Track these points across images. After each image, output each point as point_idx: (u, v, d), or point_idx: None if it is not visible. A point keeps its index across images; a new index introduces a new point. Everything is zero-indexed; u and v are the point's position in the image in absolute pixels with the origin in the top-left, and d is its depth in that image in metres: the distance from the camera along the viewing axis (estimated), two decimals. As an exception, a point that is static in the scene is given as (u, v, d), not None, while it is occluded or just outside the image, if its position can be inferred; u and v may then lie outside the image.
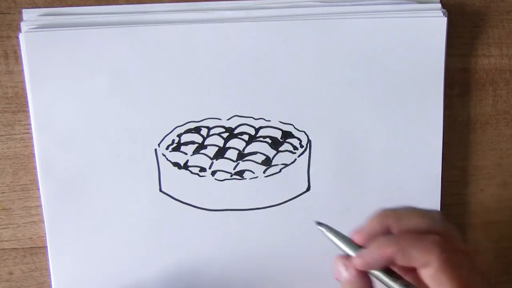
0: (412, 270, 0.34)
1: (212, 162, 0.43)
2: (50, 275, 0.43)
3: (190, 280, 0.44)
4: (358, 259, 0.35)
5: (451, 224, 0.36)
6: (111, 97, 0.42)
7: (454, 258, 0.33)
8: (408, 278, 0.35)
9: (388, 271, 0.35)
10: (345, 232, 0.36)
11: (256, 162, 0.43)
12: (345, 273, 0.36)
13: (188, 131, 0.43)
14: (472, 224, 0.46)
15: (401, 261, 0.34)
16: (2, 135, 0.43)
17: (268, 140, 0.43)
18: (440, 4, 0.43)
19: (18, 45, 0.42)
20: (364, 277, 0.35)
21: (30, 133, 0.43)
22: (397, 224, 0.35)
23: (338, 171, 0.44)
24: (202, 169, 0.43)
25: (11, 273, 0.45)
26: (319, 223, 0.38)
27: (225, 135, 0.43)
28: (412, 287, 0.34)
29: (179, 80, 0.42)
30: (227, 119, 0.43)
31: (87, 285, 0.44)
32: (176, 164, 0.43)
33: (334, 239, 0.37)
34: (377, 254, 0.34)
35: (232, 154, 0.43)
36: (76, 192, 0.43)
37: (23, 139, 0.43)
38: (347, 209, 0.44)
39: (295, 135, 0.43)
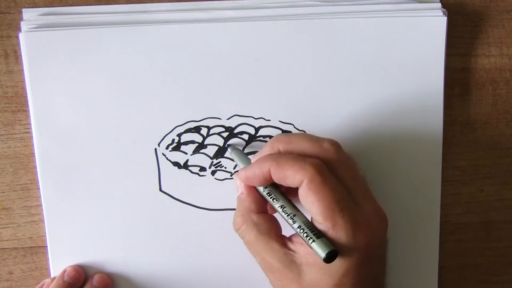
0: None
1: (212, 162, 0.43)
2: (50, 274, 0.43)
3: (190, 280, 0.44)
4: (241, 173, 0.37)
5: (344, 154, 0.37)
6: (111, 96, 0.42)
7: (327, 179, 0.34)
8: (296, 200, 0.36)
9: (278, 191, 0.36)
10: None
11: (256, 162, 0.43)
12: (238, 189, 0.38)
13: (188, 130, 0.43)
14: (472, 224, 0.46)
15: (277, 177, 0.35)
16: (2, 135, 0.43)
17: (268, 139, 0.43)
18: (440, 4, 0.43)
19: (18, 44, 0.42)
20: (252, 193, 0.37)
21: (30, 132, 0.43)
22: (285, 148, 0.37)
23: (338, 171, 0.44)
24: (202, 169, 0.43)
25: (11, 273, 0.45)
26: (229, 145, 0.42)
27: (225, 134, 0.43)
28: (291, 207, 0.36)
29: (179, 80, 0.42)
30: (227, 119, 0.43)
31: (87, 284, 0.44)
32: (176, 164, 0.43)
33: (235, 158, 0.41)
34: (257, 169, 0.36)
35: (231, 157, 0.43)
36: (76, 192, 0.43)
37: (23, 139, 0.43)
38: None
39: (295, 135, 0.43)
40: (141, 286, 0.44)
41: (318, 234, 0.34)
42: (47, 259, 0.43)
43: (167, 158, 0.43)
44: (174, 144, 0.43)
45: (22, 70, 0.42)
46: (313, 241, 0.33)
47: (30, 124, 0.42)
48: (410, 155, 0.44)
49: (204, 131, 0.43)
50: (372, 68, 0.43)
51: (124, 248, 0.43)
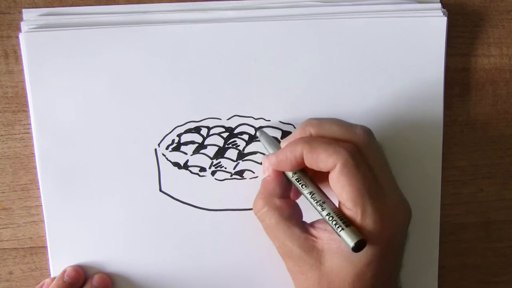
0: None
1: (212, 162, 0.43)
2: (50, 275, 0.43)
3: (190, 280, 0.44)
4: (272, 157, 0.37)
5: (375, 142, 0.37)
6: (111, 97, 0.42)
7: (359, 164, 0.34)
8: (323, 186, 0.36)
9: (307, 177, 0.36)
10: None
11: (256, 162, 0.43)
12: (265, 172, 0.38)
13: (188, 131, 0.43)
14: (472, 224, 0.46)
15: (309, 162, 0.35)
16: (2, 135, 0.43)
17: (268, 140, 0.43)
18: (440, 4, 0.43)
19: (18, 45, 0.42)
20: (279, 177, 0.37)
21: (30, 133, 0.43)
22: (317, 131, 0.36)
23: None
24: (202, 169, 0.43)
25: (11, 273, 0.45)
26: (257, 129, 0.41)
27: (225, 135, 0.43)
28: (320, 194, 0.35)
29: (179, 80, 0.42)
30: (227, 119, 0.43)
31: (87, 285, 0.44)
32: (176, 164, 0.43)
33: (264, 141, 0.40)
34: (288, 152, 0.36)
35: (232, 154, 0.43)
36: (76, 192, 0.43)
37: (23, 139, 0.43)
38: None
39: (295, 135, 0.43)
40: (141, 286, 0.44)
41: (348, 223, 0.33)
42: (47, 259, 0.43)
43: (167, 159, 0.43)
44: (174, 145, 0.43)
45: (22, 70, 0.42)
46: (342, 229, 0.33)
47: (30, 124, 0.42)
48: (410, 155, 0.44)
49: (204, 131, 0.43)
50: (372, 68, 0.43)
51: (124, 248, 0.43)
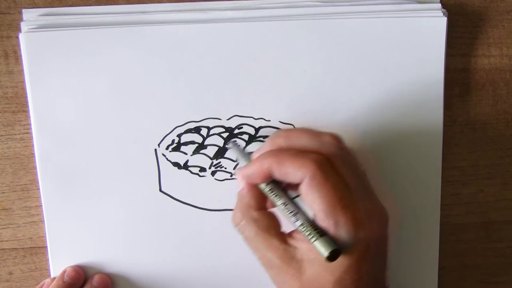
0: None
1: (212, 162, 0.43)
2: (50, 275, 0.43)
3: (190, 280, 0.44)
4: (243, 170, 0.37)
5: (345, 148, 0.36)
6: (111, 97, 0.42)
7: (328, 175, 0.34)
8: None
9: (279, 188, 0.36)
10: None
11: (256, 162, 0.43)
12: (239, 186, 0.37)
13: (188, 131, 0.43)
14: (472, 224, 0.46)
15: (278, 174, 0.35)
16: (2, 135, 0.43)
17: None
18: (440, 4, 0.43)
19: (18, 45, 0.42)
20: (253, 189, 0.37)
21: (30, 133, 0.43)
22: (286, 143, 0.36)
23: (338, 171, 0.44)
24: (202, 169, 0.43)
25: (11, 273, 0.45)
26: (230, 141, 0.41)
27: (225, 135, 0.43)
28: (293, 204, 0.35)
29: (179, 80, 0.42)
30: (227, 119, 0.43)
31: (87, 285, 0.44)
32: (176, 164, 0.43)
33: (236, 154, 0.40)
34: (257, 166, 0.36)
35: (232, 154, 0.43)
36: (76, 192, 0.43)
37: (23, 139, 0.43)
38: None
39: (295, 135, 0.43)
40: (141, 286, 0.44)
41: (321, 232, 0.34)
42: (47, 260, 0.43)
43: (167, 159, 0.43)
44: (174, 145, 0.43)
45: (22, 70, 0.42)
46: (316, 239, 0.33)
47: (30, 124, 0.42)
48: (410, 156, 0.44)
49: (204, 131, 0.43)
50: (372, 68, 0.43)
51: (124, 248, 0.43)
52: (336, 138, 0.36)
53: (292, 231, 0.37)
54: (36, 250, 0.45)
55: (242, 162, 0.39)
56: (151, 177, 0.43)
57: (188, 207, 0.43)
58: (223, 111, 0.43)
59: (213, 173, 0.43)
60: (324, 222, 0.34)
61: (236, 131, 0.43)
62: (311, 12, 0.42)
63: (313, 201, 0.34)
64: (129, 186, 0.43)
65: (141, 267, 0.44)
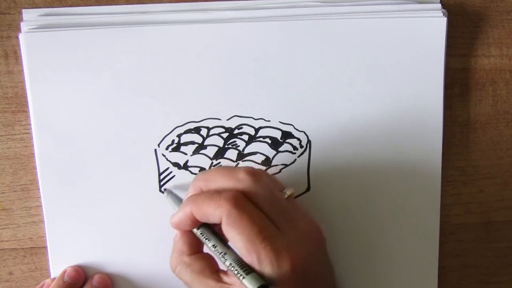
0: None
1: (212, 162, 0.43)
2: (50, 275, 0.43)
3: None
4: (171, 219, 0.38)
5: (262, 179, 0.37)
6: (111, 97, 0.42)
7: (244, 211, 0.35)
8: None
9: (209, 231, 0.37)
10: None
11: (256, 163, 0.43)
12: (174, 233, 0.39)
13: (188, 131, 0.43)
14: (472, 224, 0.46)
15: (200, 218, 0.36)
16: (2, 135, 0.43)
17: (268, 140, 0.43)
18: (440, 4, 0.43)
19: (18, 45, 0.42)
20: (185, 235, 0.38)
21: (30, 133, 0.43)
22: (205, 186, 0.38)
23: (338, 171, 0.44)
24: (202, 169, 0.43)
25: (11, 273, 0.45)
26: (165, 189, 0.42)
27: (225, 135, 0.43)
28: (221, 245, 0.37)
29: (179, 80, 0.42)
30: (227, 119, 0.43)
31: (87, 285, 0.44)
32: (176, 164, 0.43)
33: (170, 202, 0.41)
34: (181, 213, 0.37)
35: (232, 154, 0.43)
36: (76, 192, 0.43)
37: (23, 139, 0.43)
38: (347, 209, 0.44)
39: (295, 136, 0.43)
40: (141, 286, 0.44)
41: (248, 270, 0.34)
42: (47, 260, 0.43)
43: (167, 159, 0.43)
44: (174, 145, 0.43)
45: (22, 70, 0.42)
46: (244, 277, 0.34)
47: (30, 124, 0.42)
48: (410, 156, 0.44)
49: (204, 131, 0.43)
50: (372, 68, 0.43)
51: (124, 248, 0.43)
52: (250, 172, 0.37)
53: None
54: (36, 250, 0.45)
55: (175, 209, 0.40)
56: (151, 178, 0.43)
57: (188, 207, 0.43)
58: (223, 111, 0.43)
59: (213, 173, 0.43)
60: (247, 258, 0.35)
61: (236, 131, 0.43)
62: (311, 12, 0.42)
63: (233, 238, 0.35)
64: (129, 186, 0.43)
65: (141, 267, 0.44)
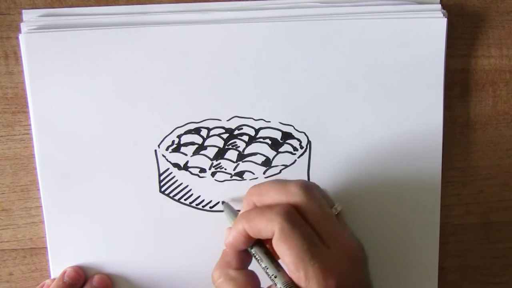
0: None
1: (212, 163, 0.43)
2: (50, 275, 0.43)
3: (190, 281, 0.44)
4: (226, 240, 0.38)
5: (314, 194, 0.37)
6: (111, 98, 0.42)
7: (295, 226, 0.35)
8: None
9: (262, 251, 0.37)
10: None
11: (256, 163, 0.43)
12: (226, 244, 0.38)
13: (188, 132, 0.43)
14: (472, 224, 0.46)
15: (253, 234, 0.36)
16: (2, 136, 0.43)
17: (268, 141, 0.43)
18: (440, 5, 0.43)
19: (18, 46, 0.42)
20: (236, 252, 0.38)
21: (30, 133, 0.43)
22: (258, 200, 0.38)
23: (338, 172, 0.44)
24: (202, 170, 0.43)
25: (11, 274, 0.45)
26: (223, 202, 0.43)
27: (225, 136, 0.43)
28: (273, 267, 0.37)
29: (179, 81, 0.42)
30: (227, 120, 0.43)
31: (87, 285, 0.44)
32: (176, 165, 0.43)
33: (227, 215, 0.42)
34: (236, 233, 0.37)
35: (232, 155, 0.43)
36: (76, 193, 0.43)
37: (23, 140, 0.43)
38: (347, 209, 0.44)
39: (295, 136, 0.43)
40: (141, 286, 0.44)
41: None
42: (47, 260, 0.43)
43: (167, 160, 0.43)
44: (174, 146, 0.43)
45: (22, 71, 0.42)
46: None
47: (30, 125, 0.42)
48: (410, 156, 0.44)
49: (204, 132, 0.43)
50: (372, 69, 0.43)
51: (124, 249, 0.43)
52: (302, 186, 0.37)
53: (270, 285, 0.37)
54: (36, 251, 0.45)
55: (230, 223, 0.40)
56: (151, 178, 0.43)
57: (188, 208, 0.43)
58: (223, 112, 0.43)
59: (213, 174, 0.43)
60: (294, 274, 0.34)
61: (236, 132, 0.43)
62: (311, 13, 0.42)
63: (283, 253, 0.35)
64: (129, 187, 0.43)
65: (141, 267, 0.44)
